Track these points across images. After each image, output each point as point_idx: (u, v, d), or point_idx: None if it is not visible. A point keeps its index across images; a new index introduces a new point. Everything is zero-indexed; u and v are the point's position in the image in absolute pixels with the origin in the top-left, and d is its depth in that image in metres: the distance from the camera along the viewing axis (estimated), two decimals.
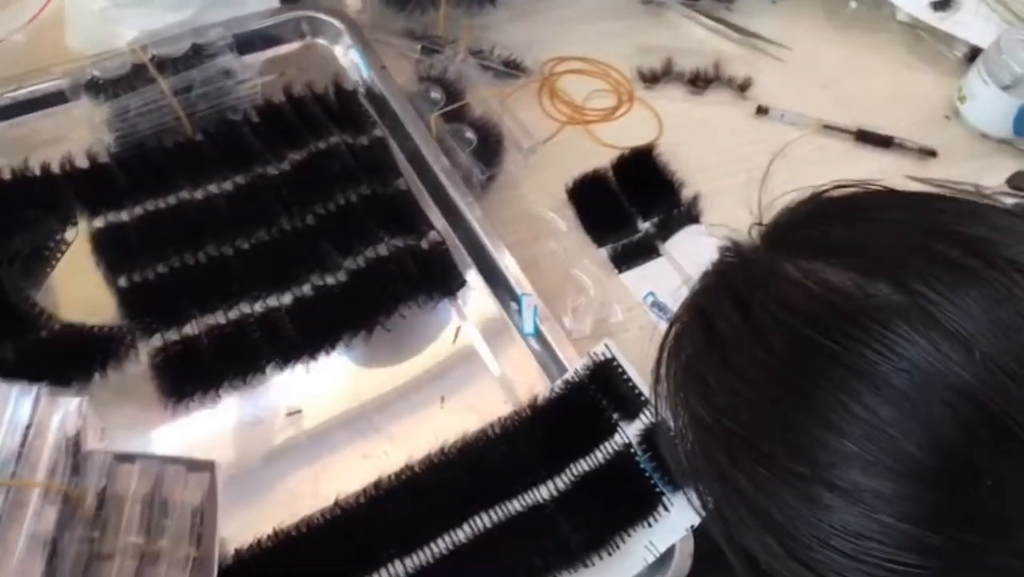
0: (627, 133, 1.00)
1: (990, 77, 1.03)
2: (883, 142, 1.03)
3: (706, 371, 0.45)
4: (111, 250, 0.81)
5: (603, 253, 0.90)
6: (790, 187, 0.96)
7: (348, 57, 0.99)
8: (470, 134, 0.90)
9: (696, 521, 0.70)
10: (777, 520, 0.40)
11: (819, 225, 0.46)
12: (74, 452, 0.55)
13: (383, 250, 0.85)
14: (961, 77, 1.09)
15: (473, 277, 0.85)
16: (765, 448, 0.41)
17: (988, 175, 1.00)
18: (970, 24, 1.12)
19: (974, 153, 1.05)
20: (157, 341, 0.77)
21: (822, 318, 0.39)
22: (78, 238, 0.82)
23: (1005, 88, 1.02)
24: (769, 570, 0.42)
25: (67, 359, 0.74)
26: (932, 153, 1.03)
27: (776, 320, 0.41)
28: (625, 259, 0.90)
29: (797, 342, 0.40)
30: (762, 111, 1.04)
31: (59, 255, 0.81)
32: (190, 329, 0.78)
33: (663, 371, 0.49)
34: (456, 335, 0.82)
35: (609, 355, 0.77)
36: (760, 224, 0.48)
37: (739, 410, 0.42)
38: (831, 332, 0.39)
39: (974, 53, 1.11)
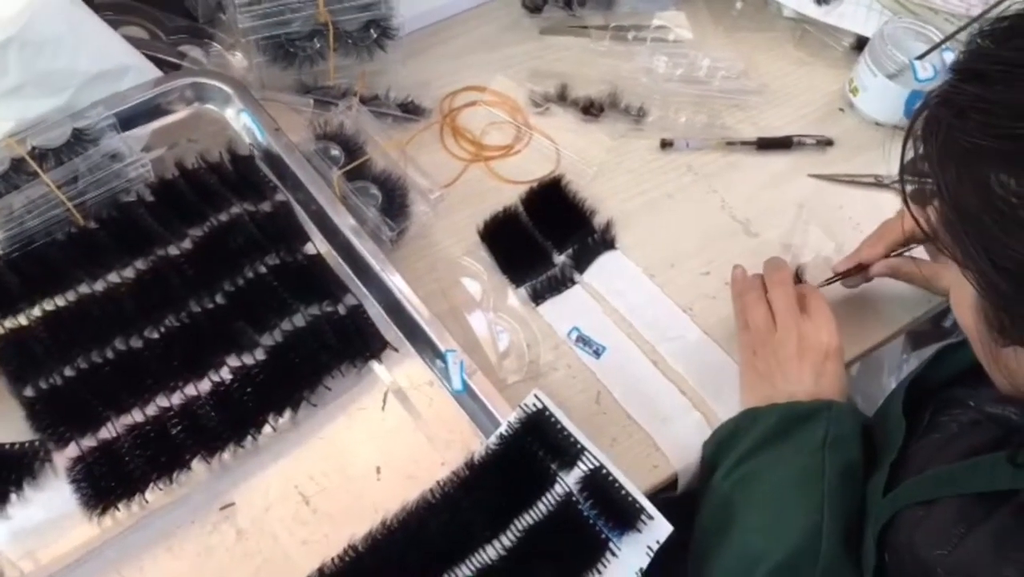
0: (527, 167, 1.00)
1: (877, 68, 1.05)
2: (784, 144, 1.04)
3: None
4: (12, 358, 0.78)
5: (522, 292, 0.90)
6: (702, 199, 0.98)
7: (240, 121, 0.95)
8: (375, 190, 0.88)
9: (644, 563, 0.70)
10: None
11: None
12: None
13: (299, 321, 0.83)
14: (850, 67, 1.11)
15: (394, 337, 0.84)
16: None
17: (886, 163, 1.03)
18: (853, 15, 1.14)
19: (872, 142, 1.07)
20: (73, 451, 0.74)
21: None
22: None
23: (891, 77, 1.04)
24: None
25: None
26: (830, 143, 1.05)
27: None
28: (544, 296, 0.89)
29: None
30: (666, 144, 1.03)
31: None
32: (107, 433, 0.75)
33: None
34: (385, 401, 0.80)
35: (540, 405, 0.76)
36: None
37: None
38: None
39: (860, 43, 1.14)
